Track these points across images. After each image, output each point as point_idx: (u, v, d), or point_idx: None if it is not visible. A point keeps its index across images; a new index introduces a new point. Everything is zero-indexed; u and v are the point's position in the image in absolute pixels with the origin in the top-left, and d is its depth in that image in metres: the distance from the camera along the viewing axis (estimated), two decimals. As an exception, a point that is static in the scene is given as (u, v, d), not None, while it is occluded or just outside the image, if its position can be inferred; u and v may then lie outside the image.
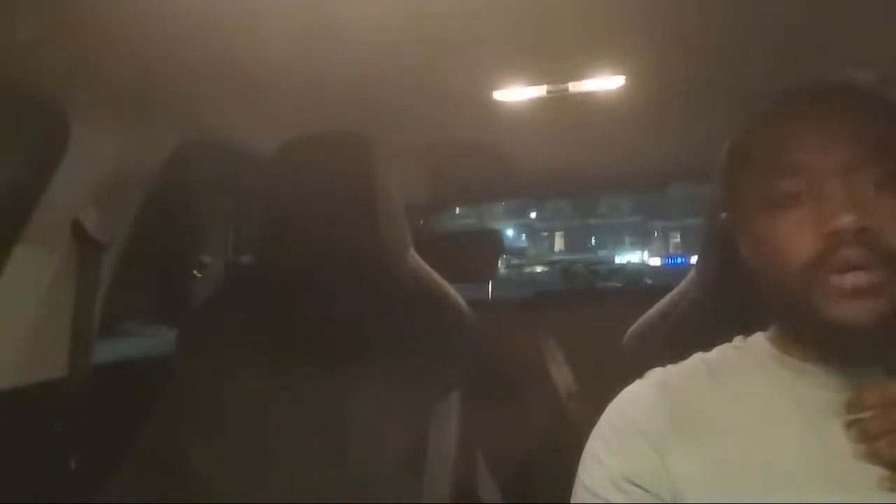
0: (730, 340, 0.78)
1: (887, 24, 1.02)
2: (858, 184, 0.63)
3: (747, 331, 0.77)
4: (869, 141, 0.64)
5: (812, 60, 1.04)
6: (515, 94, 1.31)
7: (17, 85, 1.14)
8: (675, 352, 0.78)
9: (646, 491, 0.68)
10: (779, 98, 0.72)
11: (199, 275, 2.46)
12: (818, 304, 0.63)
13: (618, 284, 3.33)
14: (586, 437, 0.74)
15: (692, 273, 1.14)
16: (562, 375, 2.00)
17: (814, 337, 0.69)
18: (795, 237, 0.65)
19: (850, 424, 0.64)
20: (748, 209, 0.70)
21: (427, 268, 1.33)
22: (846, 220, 0.61)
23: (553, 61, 1.19)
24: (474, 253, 2.36)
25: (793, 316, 0.69)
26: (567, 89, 1.28)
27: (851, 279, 0.62)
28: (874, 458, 0.62)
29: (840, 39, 1.08)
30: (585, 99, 1.33)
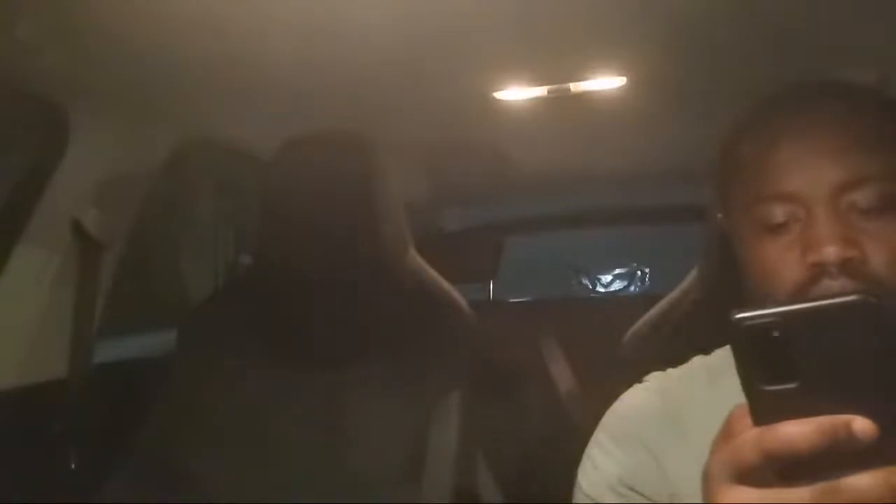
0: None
1: (887, 24, 1.02)
2: (847, 208, 0.62)
3: None
4: (858, 162, 0.62)
5: (812, 61, 1.04)
6: (515, 94, 1.31)
7: (17, 84, 1.14)
8: (677, 353, 0.78)
9: (643, 496, 0.67)
10: (764, 107, 0.70)
11: (199, 275, 2.46)
12: None
13: (618, 289, 3.31)
14: (586, 437, 0.74)
15: (693, 273, 1.14)
16: (562, 375, 2.00)
17: None
18: (781, 264, 0.63)
19: None
20: (738, 220, 0.69)
21: (427, 268, 1.33)
22: (829, 253, 0.60)
23: (554, 62, 1.19)
24: (474, 253, 2.36)
25: None
26: (568, 90, 1.28)
27: None
28: None
29: (840, 39, 1.08)
30: (586, 99, 1.33)
